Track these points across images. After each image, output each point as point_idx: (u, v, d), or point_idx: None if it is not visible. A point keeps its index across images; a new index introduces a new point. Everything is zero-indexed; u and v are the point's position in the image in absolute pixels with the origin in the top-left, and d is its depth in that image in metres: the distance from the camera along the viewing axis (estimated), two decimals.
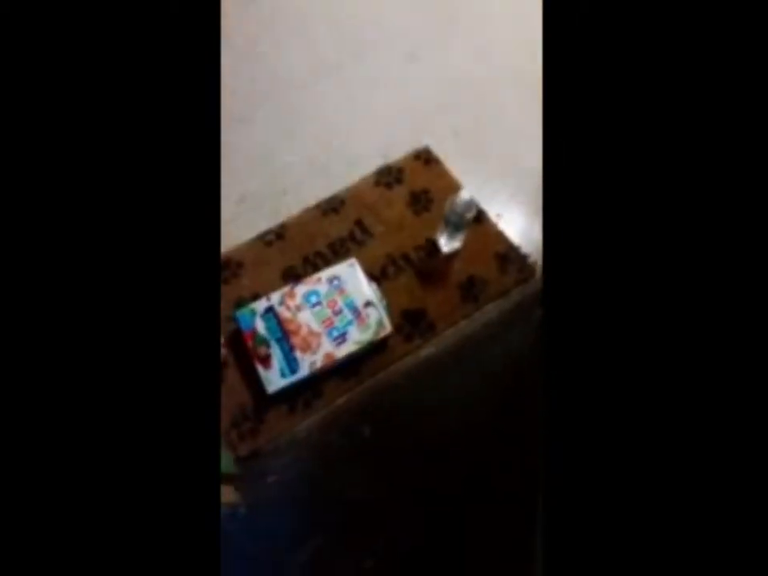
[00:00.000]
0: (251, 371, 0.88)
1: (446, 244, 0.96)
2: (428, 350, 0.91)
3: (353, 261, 0.95)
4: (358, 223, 1.02)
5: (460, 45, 1.21)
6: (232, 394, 0.89)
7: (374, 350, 0.90)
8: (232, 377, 0.90)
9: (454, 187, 1.03)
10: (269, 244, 1.01)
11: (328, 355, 0.88)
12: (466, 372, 0.87)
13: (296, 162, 1.10)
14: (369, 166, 1.07)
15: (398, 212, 1.02)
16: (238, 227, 1.04)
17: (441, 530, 0.78)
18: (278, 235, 1.02)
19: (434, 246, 0.98)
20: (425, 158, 1.07)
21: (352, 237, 1.01)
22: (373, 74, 1.18)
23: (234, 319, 0.91)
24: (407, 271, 0.97)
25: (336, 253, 1.00)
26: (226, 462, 0.82)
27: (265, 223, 1.04)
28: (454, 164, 1.06)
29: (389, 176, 1.05)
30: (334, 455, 0.84)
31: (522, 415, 0.79)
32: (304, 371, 0.87)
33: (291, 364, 0.87)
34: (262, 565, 0.76)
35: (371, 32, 1.23)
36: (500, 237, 1.00)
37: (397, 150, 1.08)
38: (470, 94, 1.15)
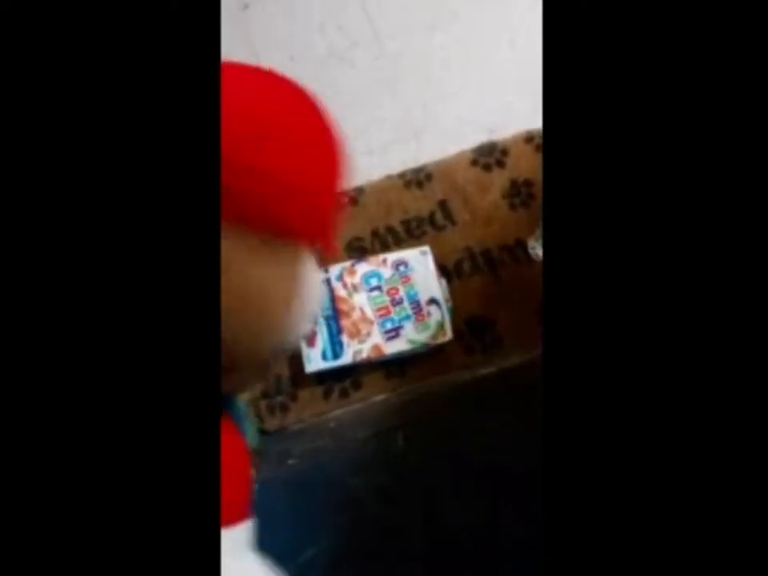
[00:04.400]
0: None
1: (540, 252, 0.82)
2: (488, 368, 0.80)
3: (426, 249, 0.83)
4: (442, 205, 0.89)
5: None
6: None
7: (426, 353, 0.81)
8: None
9: None
10: None
11: (376, 348, 0.79)
12: (521, 409, 0.75)
13: (389, 118, 0.97)
14: (469, 139, 0.92)
15: (491, 201, 0.88)
16: None
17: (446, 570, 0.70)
18: (352, 199, 0.92)
19: (523, 251, 0.84)
20: (538, 143, 0.90)
21: (431, 219, 0.88)
22: (498, 28, 1.00)
23: None
24: (485, 273, 0.84)
25: (410, 233, 0.88)
26: (250, 433, 0.78)
27: None
28: None
29: (490, 156, 0.90)
30: (360, 456, 0.78)
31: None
32: (347, 359, 0.79)
33: (335, 347, 0.80)
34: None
35: None
36: None
37: (507, 127, 0.92)
38: None
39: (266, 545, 0.73)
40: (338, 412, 0.81)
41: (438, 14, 1.02)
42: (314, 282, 0.35)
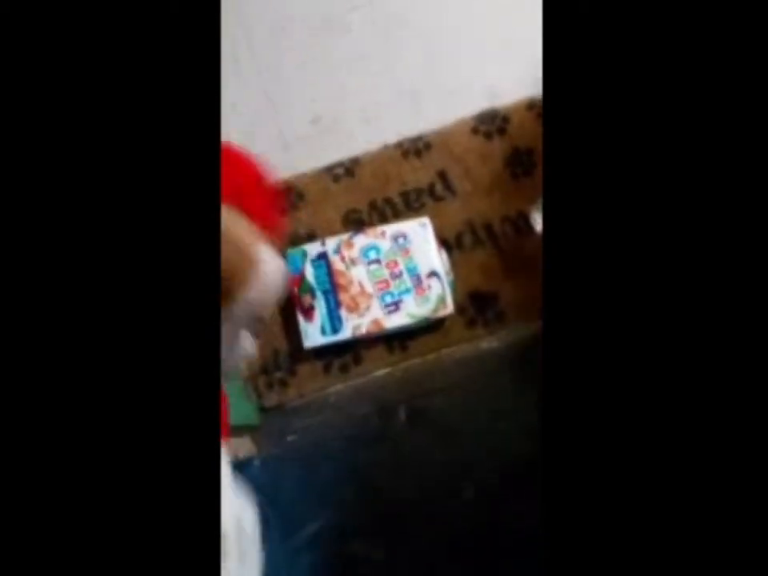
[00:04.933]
0: (292, 317, 0.81)
1: (542, 223, 0.80)
2: (490, 342, 0.79)
3: (425, 220, 0.81)
4: (442, 175, 0.86)
5: None
6: (268, 336, 0.83)
7: (427, 327, 0.79)
8: (271, 319, 0.83)
9: None
10: (336, 179, 0.88)
11: (376, 322, 0.78)
12: (525, 385, 0.74)
13: (386, 85, 0.93)
14: (469, 106, 0.88)
15: (492, 171, 0.85)
16: (305, 151, 0.92)
17: (451, 547, 0.71)
18: (348, 170, 0.89)
19: (525, 223, 0.82)
20: (539, 110, 0.87)
21: (431, 190, 0.86)
22: None
23: (283, 257, 0.82)
24: (486, 246, 0.83)
25: (408, 205, 0.86)
26: (248, 411, 0.77)
27: (336, 153, 0.91)
28: None
29: (491, 124, 0.87)
30: (361, 431, 0.77)
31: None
32: (346, 333, 0.78)
33: (334, 322, 0.79)
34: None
35: None
36: None
37: (508, 93, 0.88)
38: None
39: (271, 519, 0.73)
40: (338, 387, 0.80)
41: None
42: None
